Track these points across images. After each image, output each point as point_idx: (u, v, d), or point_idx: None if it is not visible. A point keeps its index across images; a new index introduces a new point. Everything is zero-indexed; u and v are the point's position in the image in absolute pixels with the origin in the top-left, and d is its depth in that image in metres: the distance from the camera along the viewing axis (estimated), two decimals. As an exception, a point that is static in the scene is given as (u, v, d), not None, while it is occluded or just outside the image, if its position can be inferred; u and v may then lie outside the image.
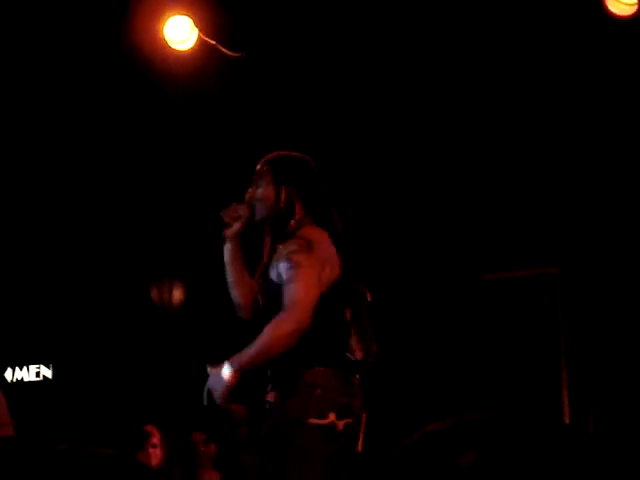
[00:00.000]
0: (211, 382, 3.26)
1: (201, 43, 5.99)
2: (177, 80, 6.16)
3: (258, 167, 3.53)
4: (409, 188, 7.15)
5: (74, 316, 7.85)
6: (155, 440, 5.67)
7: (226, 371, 3.23)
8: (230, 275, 3.55)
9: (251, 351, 3.23)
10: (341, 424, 3.24)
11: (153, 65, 6.06)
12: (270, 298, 3.40)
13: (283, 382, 3.32)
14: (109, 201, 7.31)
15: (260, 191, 3.49)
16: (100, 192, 7.32)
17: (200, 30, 5.97)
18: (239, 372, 3.21)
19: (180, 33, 6.02)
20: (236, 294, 3.54)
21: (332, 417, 3.24)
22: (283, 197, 3.48)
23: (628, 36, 5.93)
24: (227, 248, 3.54)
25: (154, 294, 7.87)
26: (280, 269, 3.34)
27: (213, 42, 6.00)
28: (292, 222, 3.47)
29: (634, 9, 5.75)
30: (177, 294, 7.88)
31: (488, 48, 6.32)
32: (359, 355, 3.34)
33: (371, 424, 3.38)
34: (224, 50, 6.02)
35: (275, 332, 3.23)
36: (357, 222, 7.42)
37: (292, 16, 6.11)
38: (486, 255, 7.11)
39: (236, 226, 3.53)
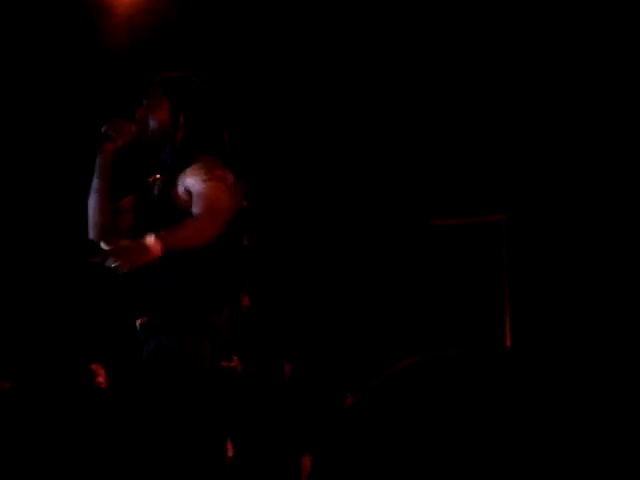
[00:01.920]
0: (124, 248, 3.21)
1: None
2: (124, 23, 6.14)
3: (151, 87, 3.50)
4: (359, 133, 7.18)
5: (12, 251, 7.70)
6: (100, 379, 5.72)
7: (151, 240, 3.15)
8: (96, 189, 3.47)
9: (179, 235, 3.19)
10: (241, 366, 3.31)
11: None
12: (161, 215, 3.35)
13: (186, 322, 3.27)
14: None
15: (154, 111, 3.46)
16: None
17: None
18: (164, 248, 3.15)
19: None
20: (97, 211, 3.45)
21: (236, 359, 3.31)
22: (181, 121, 3.46)
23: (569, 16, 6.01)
24: (101, 161, 3.46)
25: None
26: (193, 182, 3.30)
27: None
28: (191, 146, 3.43)
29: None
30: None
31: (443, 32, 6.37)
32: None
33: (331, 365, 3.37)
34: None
35: (199, 227, 3.22)
36: (304, 166, 7.53)
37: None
38: (436, 201, 7.19)
39: (119, 141, 3.47)
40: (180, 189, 3.34)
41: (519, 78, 6.64)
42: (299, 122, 7.12)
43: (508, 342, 6.73)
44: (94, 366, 5.72)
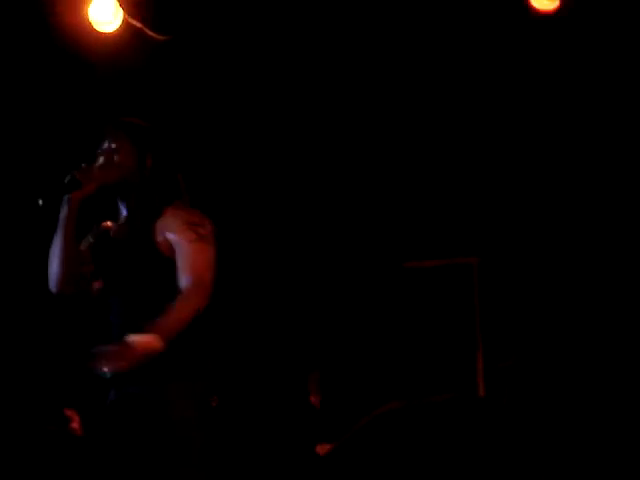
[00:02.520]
0: (125, 351, 3.12)
1: (127, 25, 5.94)
2: (102, 62, 6.10)
3: (112, 131, 3.45)
4: (330, 173, 7.19)
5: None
6: (75, 425, 5.64)
7: (156, 341, 3.11)
8: (61, 241, 3.34)
9: (173, 322, 3.16)
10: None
11: (77, 46, 5.99)
12: (141, 262, 3.30)
13: (166, 371, 3.23)
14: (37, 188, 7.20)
15: (119, 156, 3.41)
16: (25, 176, 7.21)
17: (126, 12, 5.92)
18: (166, 341, 3.12)
19: (105, 14, 5.96)
20: (62, 263, 3.34)
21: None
22: (149, 164, 3.43)
23: (550, 31, 6.02)
24: (67, 211, 3.34)
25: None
26: (177, 239, 3.28)
27: (139, 25, 5.96)
28: (158, 192, 3.40)
29: (556, 4, 5.85)
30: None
31: (411, 45, 6.36)
32: None
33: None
34: (150, 33, 5.98)
35: (193, 305, 3.19)
36: (279, 202, 7.51)
37: (219, 1, 6.10)
38: (408, 243, 7.20)
39: (87, 189, 3.36)
40: (159, 237, 3.32)
41: (492, 126, 6.70)
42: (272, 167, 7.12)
43: (480, 384, 6.74)
44: (68, 411, 5.64)
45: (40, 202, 3.33)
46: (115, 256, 3.40)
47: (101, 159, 3.42)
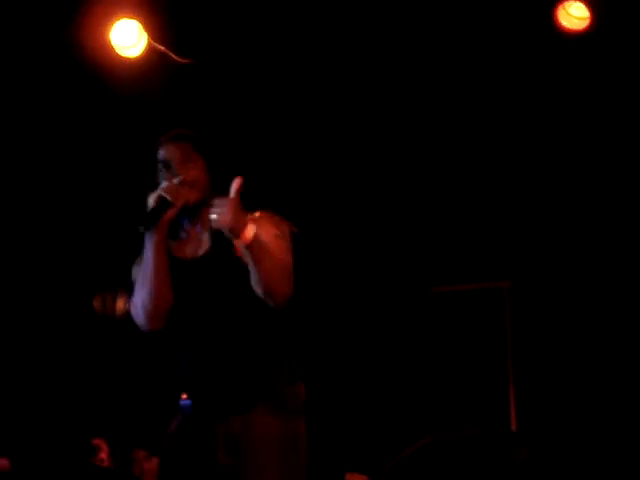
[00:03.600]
0: (233, 206, 2.97)
1: (150, 49, 5.90)
2: (124, 86, 6.05)
3: (178, 146, 3.25)
4: (357, 198, 7.11)
5: (13, 325, 7.70)
6: (103, 455, 5.54)
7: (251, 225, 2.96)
8: (154, 269, 3.09)
9: (269, 249, 3.01)
10: None
11: (101, 71, 5.95)
12: (224, 273, 3.09)
13: (269, 394, 3.07)
14: (53, 208, 7.17)
15: (195, 171, 3.23)
16: (42, 198, 7.18)
17: (149, 36, 5.87)
18: (253, 240, 2.97)
19: (128, 38, 5.92)
20: (158, 296, 3.09)
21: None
22: (219, 176, 3.27)
23: (579, 50, 5.96)
24: (157, 237, 3.10)
25: (97, 303, 7.75)
26: (261, 233, 3.05)
27: (162, 48, 5.91)
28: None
29: (585, 23, 5.79)
30: (120, 304, 7.77)
31: (436, 62, 6.30)
32: None
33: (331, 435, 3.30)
34: (173, 56, 5.93)
35: (284, 262, 3.06)
36: (302, 227, 7.42)
37: (242, 24, 6.05)
38: (436, 268, 7.10)
39: (177, 208, 3.15)
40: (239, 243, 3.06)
41: (523, 143, 6.61)
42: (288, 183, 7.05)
43: (512, 417, 6.60)
44: (97, 441, 5.56)
45: (142, 229, 3.10)
46: (197, 278, 3.16)
47: (177, 177, 3.20)
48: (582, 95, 6.30)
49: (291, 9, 5.93)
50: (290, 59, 6.20)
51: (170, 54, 5.92)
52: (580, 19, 5.83)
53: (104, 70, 5.95)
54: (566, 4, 5.81)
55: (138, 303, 3.16)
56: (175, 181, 3.19)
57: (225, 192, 3.13)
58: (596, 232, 6.62)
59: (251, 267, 3.02)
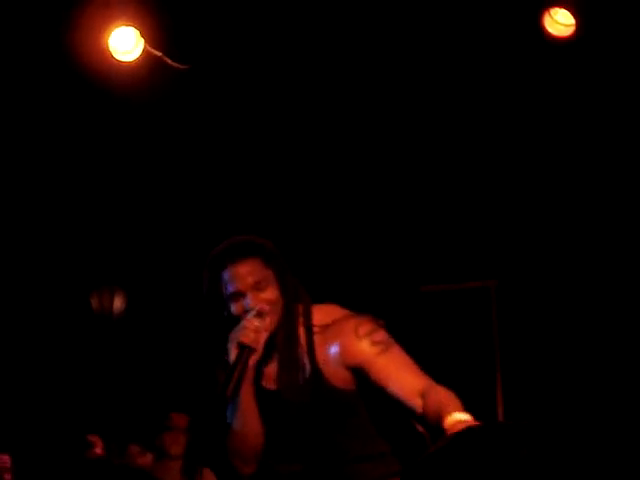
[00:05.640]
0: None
1: (147, 54, 5.96)
2: (122, 92, 6.13)
3: (245, 262, 2.77)
4: (346, 198, 7.20)
5: (12, 323, 7.79)
6: (98, 450, 5.62)
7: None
8: (248, 417, 2.75)
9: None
10: None
11: (97, 76, 6.02)
12: (323, 405, 2.75)
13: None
14: (51, 208, 7.27)
15: (269, 296, 2.78)
16: (41, 199, 7.27)
17: (146, 41, 5.94)
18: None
19: (125, 44, 5.99)
20: (251, 441, 2.76)
21: None
22: (291, 290, 2.83)
23: (565, 57, 6.05)
24: (248, 383, 2.72)
25: (94, 302, 7.83)
26: (363, 359, 2.70)
27: (159, 54, 5.98)
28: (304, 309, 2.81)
29: (571, 30, 5.88)
30: (118, 302, 7.84)
31: (422, 69, 6.38)
32: None
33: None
34: (170, 62, 6.00)
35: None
36: (294, 229, 7.53)
37: (239, 29, 6.12)
38: (424, 267, 7.20)
39: (260, 349, 2.73)
40: (326, 369, 2.75)
41: (508, 145, 6.71)
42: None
43: (500, 408, 6.72)
44: (92, 437, 5.64)
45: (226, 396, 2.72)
46: (282, 411, 2.80)
47: (252, 310, 2.75)
48: (568, 100, 6.40)
49: (288, 16, 5.99)
50: (287, 65, 6.26)
51: (167, 60, 5.99)
52: (566, 26, 5.90)
53: (101, 75, 6.02)
54: (552, 11, 5.87)
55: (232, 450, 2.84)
56: (251, 317, 2.76)
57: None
58: (581, 231, 6.72)
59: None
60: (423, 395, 2.67)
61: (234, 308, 2.78)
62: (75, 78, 6.20)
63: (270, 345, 2.79)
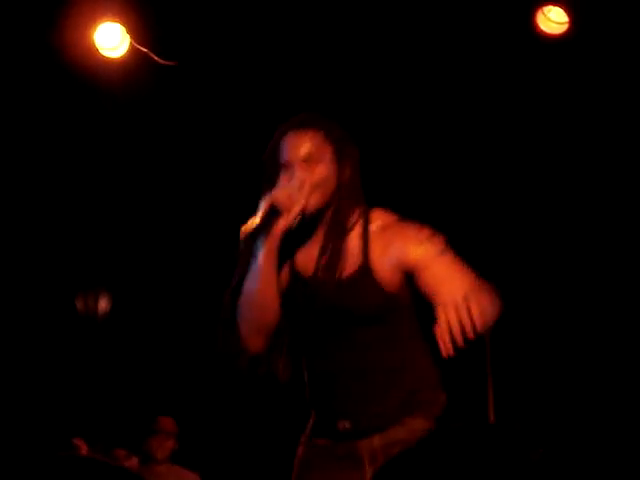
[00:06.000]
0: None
1: (133, 51, 5.92)
2: (108, 87, 6.08)
3: (297, 140, 2.73)
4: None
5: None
6: (83, 454, 5.57)
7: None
8: (259, 286, 2.67)
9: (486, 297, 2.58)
10: None
11: (84, 72, 5.97)
12: (359, 300, 2.66)
13: (413, 406, 2.78)
14: (35, 208, 7.19)
15: (320, 168, 2.73)
16: (24, 198, 7.20)
17: (132, 38, 5.90)
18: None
19: (111, 40, 5.94)
20: (259, 310, 2.68)
21: None
22: (347, 176, 2.75)
23: (558, 56, 6.01)
24: (272, 246, 2.65)
25: (79, 304, 7.77)
26: (417, 258, 2.64)
27: (145, 50, 5.93)
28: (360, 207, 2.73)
29: (564, 28, 5.84)
30: (103, 304, 7.79)
31: (412, 67, 6.33)
32: None
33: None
34: (156, 58, 5.95)
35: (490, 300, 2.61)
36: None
37: (226, 25, 6.07)
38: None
39: (290, 217, 2.67)
40: (379, 267, 2.68)
41: (500, 145, 6.66)
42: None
43: (491, 411, 6.68)
44: (77, 441, 5.58)
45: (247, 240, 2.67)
46: (319, 301, 2.71)
47: (297, 178, 2.71)
48: (561, 98, 6.36)
49: (275, 12, 5.95)
50: (275, 62, 6.22)
51: (153, 56, 5.93)
52: (559, 24, 5.88)
53: (87, 71, 5.97)
54: (545, 9, 5.86)
55: (238, 316, 2.72)
56: (292, 184, 2.71)
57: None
58: (572, 233, 6.68)
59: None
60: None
61: (282, 178, 2.74)
62: (61, 74, 6.15)
63: (310, 228, 2.72)
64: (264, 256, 2.66)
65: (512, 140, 6.57)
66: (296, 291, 2.77)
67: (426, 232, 2.73)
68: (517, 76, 6.23)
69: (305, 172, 2.71)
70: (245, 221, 2.79)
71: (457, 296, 2.55)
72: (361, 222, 2.78)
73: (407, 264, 2.70)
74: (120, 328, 7.77)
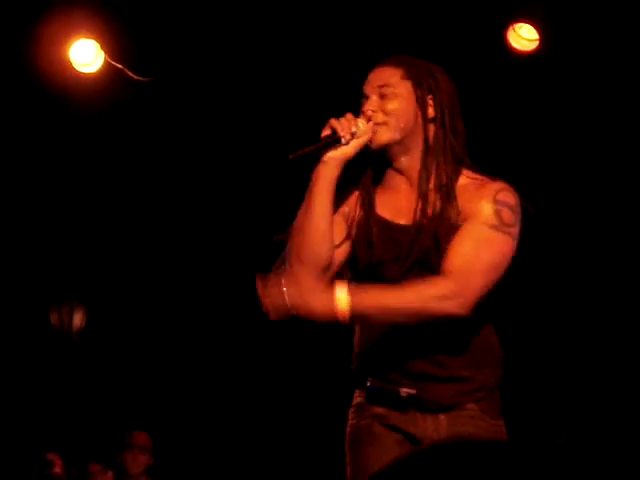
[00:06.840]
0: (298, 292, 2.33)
1: (107, 66, 5.94)
2: (82, 103, 6.09)
3: (377, 73, 2.66)
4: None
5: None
6: (57, 469, 5.56)
7: (342, 296, 2.34)
8: (313, 215, 2.46)
9: (389, 302, 2.42)
10: None
11: (58, 87, 5.98)
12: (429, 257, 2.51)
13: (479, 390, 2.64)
14: (7, 221, 7.18)
15: (397, 103, 2.62)
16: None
17: (107, 54, 5.92)
18: (352, 313, 2.36)
19: (86, 56, 5.97)
20: (317, 245, 2.45)
21: None
22: (431, 114, 2.65)
23: (529, 72, 6.07)
24: (326, 174, 2.48)
25: (53, 317, 7.74)
26: (474, 212, 2.53)
27: (119, 66, 5.95)
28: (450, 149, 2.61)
29: (535, 45, 5.90)
30: (78, 318, 7.76)
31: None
32: None
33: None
34: (130, 74, 5.97)
35: (426, 301, 2.44)
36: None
37: (201, 41, 6.10)
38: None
39: (352, 145, 2.53)
40: (461, 218, 2.54)
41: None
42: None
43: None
44: (51, 456, 5.57)
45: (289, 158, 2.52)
46: (416, 248, 2.56)
47: (365, 107, 2.60)
48: (531, 114, 6.41)
49: (250, 28, 5.97)
50: (251, 77, 6.24)
51: (127, 72, 5.95)
52: (530, 41, 5.94)
53: (61, 87, 5.98)
54: (516, 26, 5.92)
55: (288, 256, 2.51)
56: (363, 114, 2.59)
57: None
58: (565, 239, 6.69)
59: None
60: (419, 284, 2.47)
61: (360, 109, 2.62)
62: (36, 90, 6.16)
63: (386, 170, 2.60)
64: (316, 184, 2.51)
65: (482, 155, 6.60)
66: (378, 236, 2.61)
67: (507, 197, 2.62)
68: (488, 92, 6.28)
69: (376, 103, 2.62)
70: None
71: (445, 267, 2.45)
72: (444, 167, 2.69)
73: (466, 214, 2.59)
74: (95, 342, 7.77)
